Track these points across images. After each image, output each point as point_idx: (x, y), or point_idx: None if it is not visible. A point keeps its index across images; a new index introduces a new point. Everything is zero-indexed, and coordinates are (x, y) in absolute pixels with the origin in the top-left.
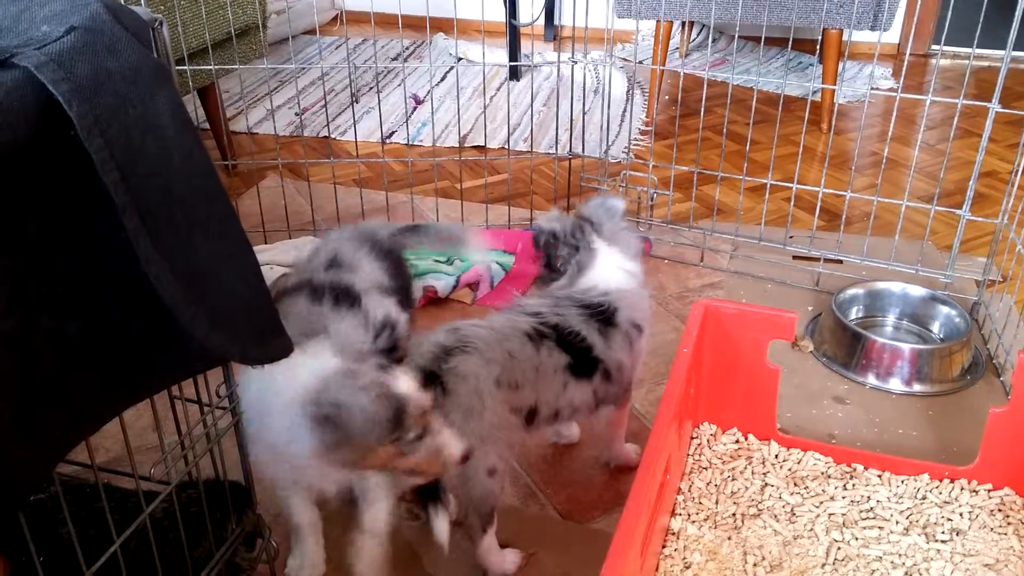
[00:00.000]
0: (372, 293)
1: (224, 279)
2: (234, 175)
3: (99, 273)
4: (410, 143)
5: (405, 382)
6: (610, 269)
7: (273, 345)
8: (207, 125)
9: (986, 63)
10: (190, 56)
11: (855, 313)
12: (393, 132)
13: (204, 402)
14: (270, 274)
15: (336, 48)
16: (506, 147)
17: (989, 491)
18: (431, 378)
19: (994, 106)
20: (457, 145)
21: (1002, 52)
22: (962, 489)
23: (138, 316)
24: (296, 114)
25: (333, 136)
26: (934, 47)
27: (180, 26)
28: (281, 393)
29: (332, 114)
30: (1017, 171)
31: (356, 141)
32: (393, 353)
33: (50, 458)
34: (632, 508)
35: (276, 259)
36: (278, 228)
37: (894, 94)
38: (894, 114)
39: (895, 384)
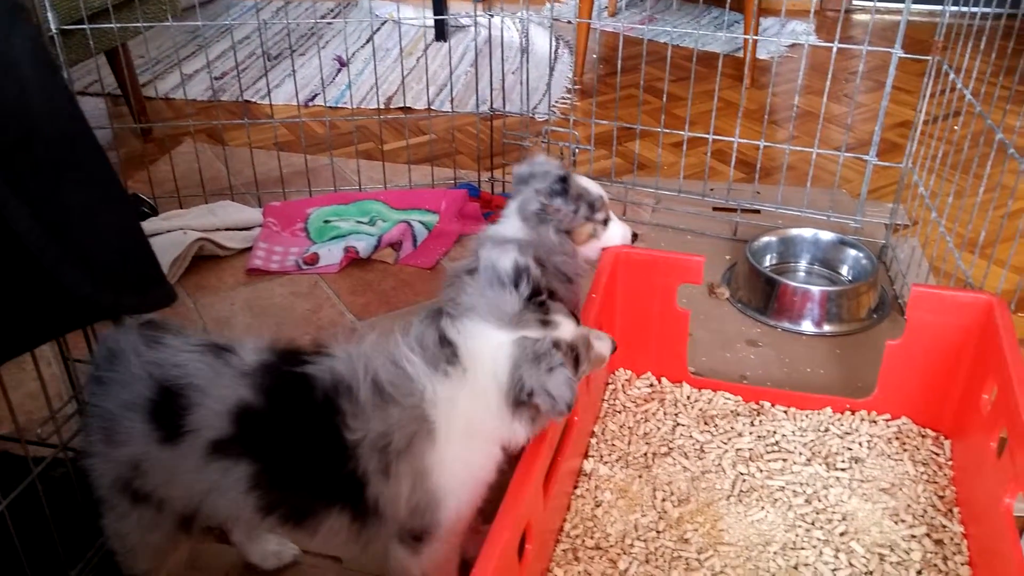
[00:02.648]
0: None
1: (98, 226)
2: (147, 141)
3: None
4: (331, 105)
5: (568, 326)
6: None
7: (152, 295)
8: (119, 91)
9: (916, 17)
10: (92, 16)
11: (769, 260)
12: (316, 95)
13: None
14: (184, 239)
15: (258, 12)
16: (429, 107)
17: (887, 421)
18: None
19: (897, 51)
20: (381, 107)
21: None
22: (862, 420)
23: (7, 265)
24: (214, 78)
25: (252, 100)
26: (854, 2)
27: None
28: (485, 392)
29: (252, 78)
30: (919, 117)
31: (271, 104)
32: (538, 297)
33: None
34: (530, 450)
35: (191, 224)
36: (194, 194)
37: (804, 43)
38: (802, 65)
39: (807, 326)
